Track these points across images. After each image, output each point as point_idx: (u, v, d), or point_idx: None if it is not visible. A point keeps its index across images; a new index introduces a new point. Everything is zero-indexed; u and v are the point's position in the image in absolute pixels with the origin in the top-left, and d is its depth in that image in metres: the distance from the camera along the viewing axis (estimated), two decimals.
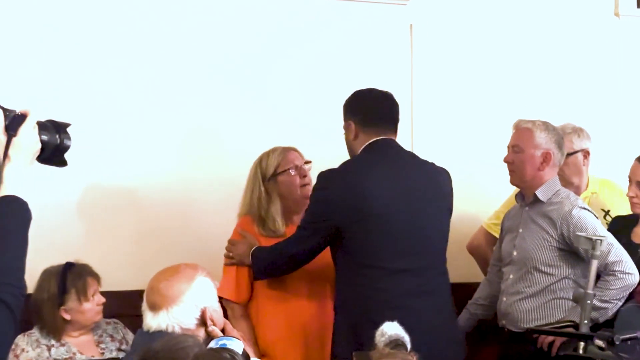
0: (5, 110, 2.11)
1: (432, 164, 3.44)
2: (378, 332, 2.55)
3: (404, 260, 3.23)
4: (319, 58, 4.12)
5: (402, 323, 2.54)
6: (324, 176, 3.29)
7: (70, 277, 3.32)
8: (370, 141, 3.31)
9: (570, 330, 3.24)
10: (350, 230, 3.21)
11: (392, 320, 2.84)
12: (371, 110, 3.35)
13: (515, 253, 3.59)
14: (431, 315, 3.24)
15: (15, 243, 1.98)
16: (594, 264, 3.08)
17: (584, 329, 3.02)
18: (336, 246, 3.29)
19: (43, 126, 2.18)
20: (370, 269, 3.21)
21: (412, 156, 3.43)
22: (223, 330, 2.59)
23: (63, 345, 3.33)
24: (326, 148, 3.83)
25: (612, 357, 2.67)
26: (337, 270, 3.32)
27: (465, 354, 3.41)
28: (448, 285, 3.39)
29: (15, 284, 1.95)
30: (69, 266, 3.35)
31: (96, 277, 3.39)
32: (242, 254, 3.45)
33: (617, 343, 2.73)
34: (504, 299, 3.61)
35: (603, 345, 2.74)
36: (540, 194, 3.55)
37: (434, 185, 3.37)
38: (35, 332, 3.33)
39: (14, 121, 2.11)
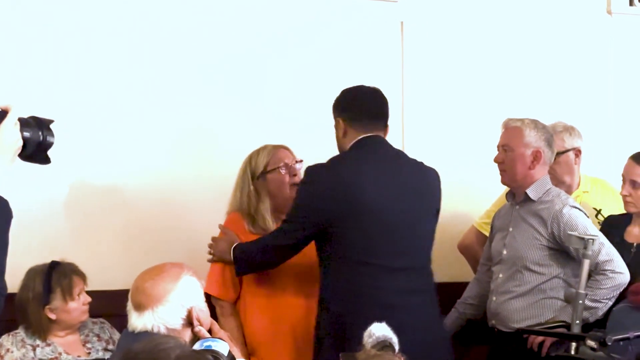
0: None
1: (421, 163, 3.41)
2: (366, 333, 2.53)
3: (400, 258, 3.22)
4: (310, 56, 4.08)
5: (397, 321, 2.52)
6: (312, 170, 3.26)
7: (55, 276, 3.28)
8: (358, 138, 3.28)
9: (562, 330, 3.21)
10: (343, 225, 3.18)
11: (386, 319, 2.81)
12: (360, 108, 3.32)
13: (505, 252, 3.57)
14: (424, 314, 3.24)
15: None
16: (586, 264, 3.06)
17: (576, 329, 3.00)
18: (325, 241, 3.24)
19: (25, 123, 2.14)
20: (367, 266, 3.18)
21: (401, 154, 3.41)
22: (210, 331, 2.55)
23: (49, 345, 3.28)
24: (318, 146, 3.77)
25: (604, 358, 2.64)
26: (325, 266, 3.27)
27: (453, 353, 3.39)
28: (434, 284, 3.37)
29: None
30: (54, 265, 3.31)
31: (82, 276, 3.35)
32: (222, 251, 3.42)
33: (609, 344, 2.70)
34: (494, 298, 3.59)
35: (595, 346, 2.70)
36: (531, 192, 3.53)
37: (423, 184, 3.35)
38: (20, 332, 3.29)
39: None
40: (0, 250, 1.94)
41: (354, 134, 3.29)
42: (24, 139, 2.11)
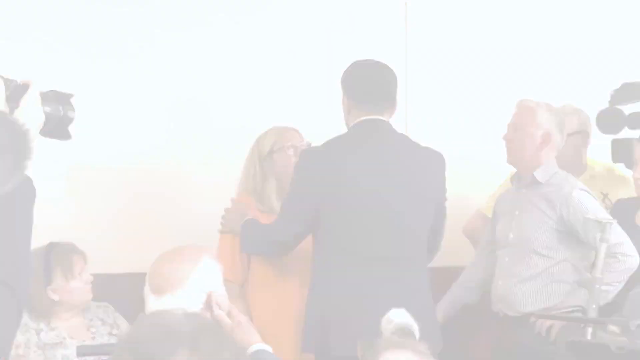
0: (6, 80, 1.97)
1: (426, 148, 3.34)
2: (384, 319, 2.46)
3: (380, 247, 3.16)
4: (312, 36, 4.04)
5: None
6: (305, 154, 3.23)
7: (54, 255, 3.23)
8: (359, 119, 3.21)
9: (579, 315, 3.18)
10: (328, 212, 3.14)
11: (366, 308, 2.76)
12: (364, 86, 3.26)
13: (512, 235, 3.53)
14: (403, 305, 3.15)
15: (23, 221, 1.85)
16: (603, 247, 3.03)
17: (593, 314, 2.96)
18: (315, 229, 3.21)
19: (45, 97, 2.05)
20: (344, 255, 3.15)
21: (402, 139, 3.31)
22: (229, 315, 2.48)
23: (53, 330, 3.23)
24: (321, 125, 3.73)
25: (627, 344, 2.59)
26: (314, 253, 3.25)
27: (440, 345, 3.30)
28: (424, 275, 3.31)
29: (21, 265, 1.84)
30: (52, 245, 3.26)
31: (82, 254, 3.30)
32: (233, 221, 3.40)
33: (633, 329, 2.66)
34: (500, 282, 3.54)
35: (617, 331, 2.66)
36: (538, 175, 3.49)
37: (421, 171, 3.27)
38: (23, 316, 3.21)
39: (16, 92, 1.98)
40: (26, 231, 1.86)
41: (356, 114, 3.23)
42: (45, 114, 2.02)
